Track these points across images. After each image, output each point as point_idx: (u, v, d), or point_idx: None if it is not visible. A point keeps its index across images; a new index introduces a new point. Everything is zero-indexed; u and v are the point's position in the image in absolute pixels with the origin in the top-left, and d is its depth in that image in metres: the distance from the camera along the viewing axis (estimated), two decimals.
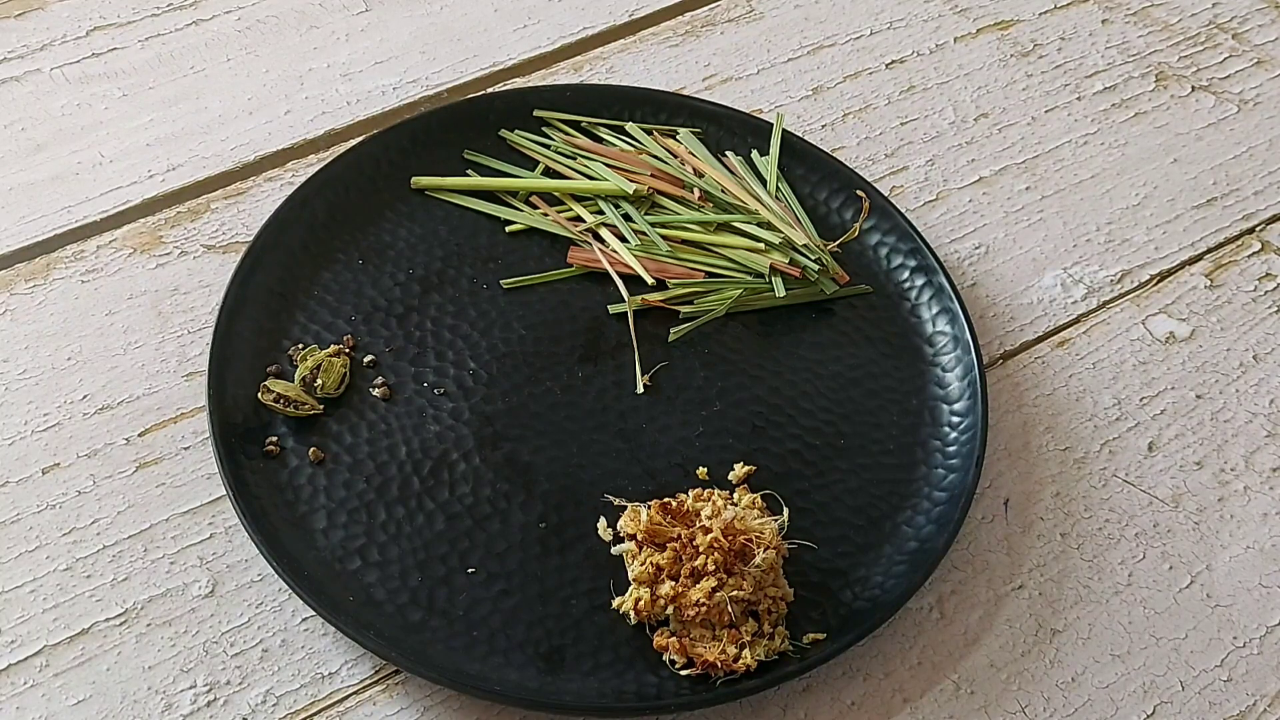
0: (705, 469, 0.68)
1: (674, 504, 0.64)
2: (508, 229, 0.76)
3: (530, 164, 0.79)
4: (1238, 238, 0.82)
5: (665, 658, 0.61)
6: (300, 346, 0.70)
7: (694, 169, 0.79)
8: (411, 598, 0.62)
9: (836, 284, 0.75)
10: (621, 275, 0.74)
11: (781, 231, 0.76)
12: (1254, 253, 0.82)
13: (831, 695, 0.63)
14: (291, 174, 0.80)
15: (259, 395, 0.67)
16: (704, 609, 0.61)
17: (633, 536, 0.64)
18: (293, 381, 0.68)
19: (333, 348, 0.69)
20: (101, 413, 0.69)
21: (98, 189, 0.78)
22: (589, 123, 0.81)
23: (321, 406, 0.67)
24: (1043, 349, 0.76)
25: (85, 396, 0.69)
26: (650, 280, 0.74)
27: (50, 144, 0.80)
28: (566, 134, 0.80)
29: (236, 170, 0.80)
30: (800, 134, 0.83)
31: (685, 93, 0.86)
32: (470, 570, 0.64)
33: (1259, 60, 0.92)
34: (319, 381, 0.67)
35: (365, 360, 0.70)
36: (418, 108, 0.84)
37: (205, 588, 0.63)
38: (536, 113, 0.81)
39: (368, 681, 0.62)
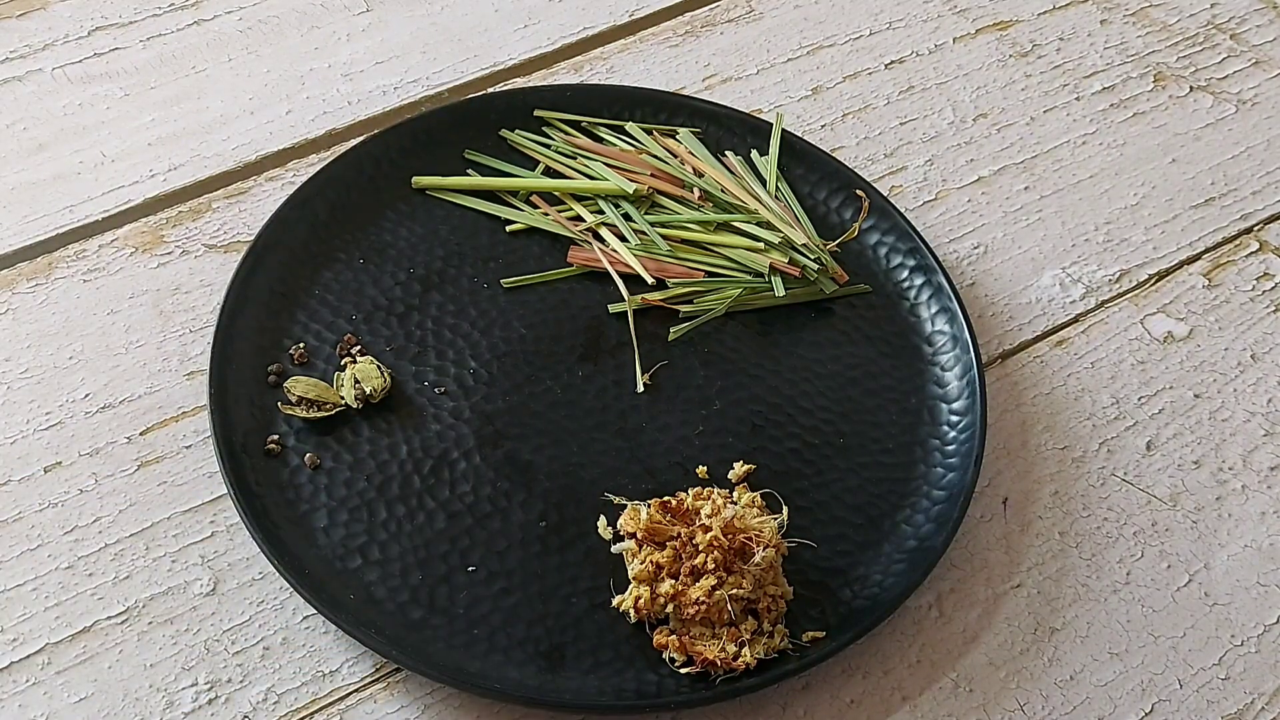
0: (705, 468, 0.68)
1: (674, 502, 0.64)
2: (508, 228, 0.77)
3: (530, 164, 0.80)
4: (1236, 237, 0.83)
5: (665, 656, 0.61)
6: (305, 355, 0.70)
7: (694, 169, 0.79)
8: (412, 596, 0.63)
9: (836, 283, 0.75)
10: (621, 275, 0.74)
11: (781, 231, 0.76)
12: (1252, 252, 0.82)
13: (831, 693, 0.63)
14: (293, 173, 0.80)
15: (280, 405, 0.67)
16: (704, 607, 0.61)
17: (633, 535, 0.64)
18: (330, 399, 0.68)
19: (367, 360, 0.69)
20: (103, 411, 0.69)
21: (99, 188, 0.78)
22: (589, 123, 0.81)
23: (344, 403, 0.68)
24: (1041, 348, 0.76)
25: (87, 395, 0.69)
26: (650, 280, 0.74)
27: (52, 143, 0.80)
28: (567, 134, 0.81)
29: (238, 170, 0.80)
30: (800, 134, 0.84)
31: (685, 93, 0.86)
32: (471, 568, 0.64)
33: (1257, 60, 0.93)
34: (368, 389, 0.67)
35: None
36: (418, 107, 0.84)
37: (206, 586, 0.64)
38: (537, 112, 0.81)
39: (368, 679, 0.62)
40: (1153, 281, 0.80)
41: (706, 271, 0.75)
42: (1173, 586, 0.68)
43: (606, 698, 0.60)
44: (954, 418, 0.70)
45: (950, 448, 0.69)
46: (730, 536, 0.62)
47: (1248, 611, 0.67)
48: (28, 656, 0.61)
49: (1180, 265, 0.81)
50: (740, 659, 0.60)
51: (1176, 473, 0.72)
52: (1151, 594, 0.67)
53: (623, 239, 0.76)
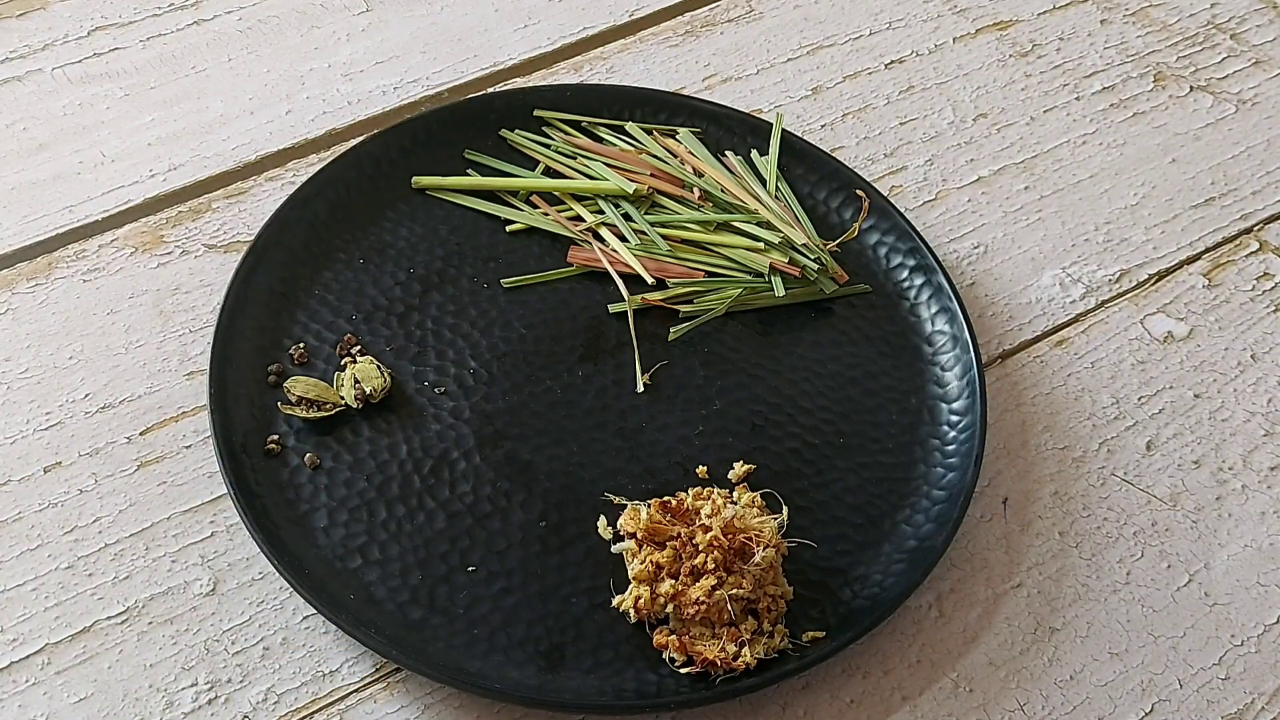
0: (705, 467, 0.68)
1: (674, 502, 0.64)
2: (508, 228, 0.77)
3: (530, 164, 0.80)
4: (1235, 237, 0.83)
5: (665, 656, 0.61)
6: (305, 355, 0.70)
7: (694, 169, 0.79)
8: (412, 596, 0.63)
9: (836, 283, 0.75)
10: (621, 275, 0.74)
11: (781, 231, 0.76)
12: (1252, 252, 0.82)
13: (831, 693, 0.63)
14: (292, 173, 0.80)
15: (280, 405, 0.67)
16: (704, 607, 0.61)
17: (633, 535, 0.64)
18: (330, 399, 0.68)
19: (367, 360, 0.69)
20: (103, 411, 0.69)
21: (99, 188, 0.78)
22: (589, 122, 0.81)
23: (344, 403, 0.68)
24: (1041, 348, 0.76)
25: (87, 395, 0.69)
26: (650, 280, 0.74)
27: (52, 143, 0.80)
28: (566, 134, 0.81)
29: (237, 170, 0.80)
30: (800, 134, 0.84)
31: (685, 93, 0.86)
32: (471, 568, 0.64)
33: (1257, 60, 0.93)
34: (368, 389, 0.67)
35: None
36: (418, 107, 0.84)
37: (206, 586, 0.64)
38: (537, 112, 0.81)
39: (368, 679, 0.62)
40: (1153, 281, 0.80)
41: (706, 271, 0.75)
42: (1173, 586, 0.68)
43: (606, 698, 0.60)
44: (954, 418, 0.70)
45: (950, 448, 0.69)
46: (730, 536, 0.62)
47: (1248, 611, 0.67)
48: (28, 656, 0.61)
49: (1180, 265, 0.81)
50: (740, 659, 0.60)
51: (1176, 473, 0.72)
52: (1151, 594, 0.67)
53: (623, 239, 0.76)
